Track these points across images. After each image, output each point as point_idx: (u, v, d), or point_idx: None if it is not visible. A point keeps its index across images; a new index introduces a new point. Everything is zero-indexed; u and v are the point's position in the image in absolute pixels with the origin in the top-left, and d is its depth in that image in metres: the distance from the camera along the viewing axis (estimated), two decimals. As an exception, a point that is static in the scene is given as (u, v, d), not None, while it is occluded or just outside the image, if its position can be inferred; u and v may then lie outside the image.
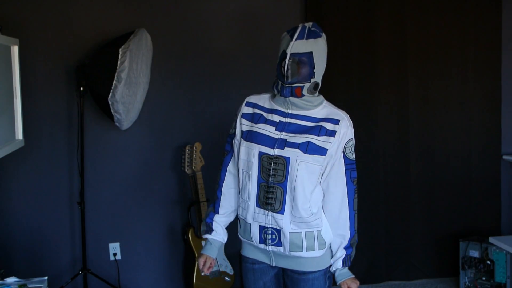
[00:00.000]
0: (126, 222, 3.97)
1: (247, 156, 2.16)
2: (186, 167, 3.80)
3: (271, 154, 2.11)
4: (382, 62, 4.13)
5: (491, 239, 3.80)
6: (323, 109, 2.14)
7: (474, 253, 3.96)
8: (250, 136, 2.17)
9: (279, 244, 2.18)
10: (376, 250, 4.24)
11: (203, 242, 3.77)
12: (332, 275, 2.28)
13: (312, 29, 2.06)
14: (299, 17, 4.05)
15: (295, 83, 2.06)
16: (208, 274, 2.14)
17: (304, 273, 2.22)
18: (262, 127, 2.16)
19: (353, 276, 2.24)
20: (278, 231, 2.16)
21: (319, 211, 2.18)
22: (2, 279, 2.45)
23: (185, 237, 3.84)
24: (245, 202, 2.21)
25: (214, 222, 2.30)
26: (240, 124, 2.23)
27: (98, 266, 3.88)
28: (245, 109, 2.24)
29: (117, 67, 3.33)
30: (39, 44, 3.74)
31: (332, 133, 2.10)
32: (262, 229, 2.19)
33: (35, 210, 3.83)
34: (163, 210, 4.01)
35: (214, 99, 4.02)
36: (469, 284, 4.02)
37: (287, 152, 2.09)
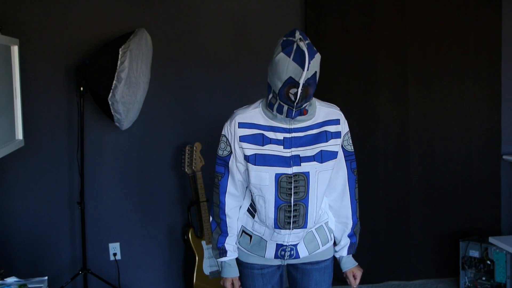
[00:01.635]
0: (126, 222, 3.97)
1: (260, 180, 2.09)
2: (186, 167, 3.80)
3: (289, 173, 2.07)
4: (382, 62, 4.13)
5: (491, 239, 3.80)
6: (319, 112, 2.12)
7: (474, 253, 3.96)
8: (260, 160, 2.09)
9: (297, 256, 2.22)
10: (376, 250, 4.24)
11: (203, 242, 3.78)
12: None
13: (307, 42, 1.96)
14: (299, 17, 4.05)
15: (304, 104, 2.02)
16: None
17: (317, 262, 2.26)
18: (270, 147, 2.09)
19: (357, 264, 2.31)
20: (296, 245, 2.20)
21: (325, 204, 2.25)
22: (2, 279, 2.45)
23: (185, 237, 3.84)
24: (261, 223, 2.19)
25: (226, 245, 2.23)
26: (240, 148, 2.12)
27: (98, 266, 3.88)
28: (241, 131, 2.11)
29: (117, 67, 3.33)
30: (39, 44, 3.74)
31: (337, 135, 2.12)
32: (280, 247, 2.19)
33: (35, 210, 3.83)
34: (163, 210, 4.01)
35: (214, 99, 4.02)
36: (469, 284, 4.02)
37: (305, 167, 2.07)
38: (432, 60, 4.21)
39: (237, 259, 2.31)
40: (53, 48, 3.77)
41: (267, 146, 2.08)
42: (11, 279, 2.44)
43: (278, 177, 2.07)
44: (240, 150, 2.12)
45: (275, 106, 2.04)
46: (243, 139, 2.11)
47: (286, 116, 2.04)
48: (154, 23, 3.86)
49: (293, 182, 2.07)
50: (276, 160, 2.07)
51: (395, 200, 4.25)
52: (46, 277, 2.50)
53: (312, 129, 2.10)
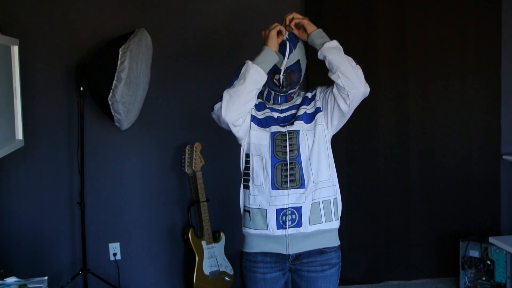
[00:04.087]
0: (126, 222, 3.97)
1: (259, 139, 2.23)
2: (186, 167, 3.81)
3: (283, 130, 2.22)
4: (382, 62, 4.13)
5: (491, 239, 3.80)
6: (304, 93, 2.37)
7: (474, 253, 3.96)
8: (261, 123, 2.26)
9: (300, 223, 2.20)
10: (376, 250, 4.24)
11: (203, 242, 3.78)
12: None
13: (287, 33, 2.23)
14: (299, 17, 4.05)
15: (289, 91, 2.27)
16: None
17: (322, 269, 2.24)
18: (266, 111, 2.28)
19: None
20: (298, 209, 2.19)
21: (331, 178, 2.25)
22: (2, 279, 2.45)
23: (185, 237, 3.84)
24: (258, 188, 2.21)
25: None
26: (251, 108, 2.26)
27: (98, 266, 3.88)
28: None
29: (117, 67, 3.33)
30: (39, 44, 3.74)
31: (313, 97, 2.30)
32: (280, 212, 2.19)
33: (35, 210, 3.83)
34: (163, 210, 4.01)
35: (214, 99, 4.00)
36: (469, 284, 4.02)
37: (295, 125, 2.23)
38: (432, 60, 4.21)
39: (241, 252, 2.32)
40: (53, 48, 3.77)
41: (261, 112, 2.29)
42: (11, 279, 2.44)
43: (273, 135, 2.23)
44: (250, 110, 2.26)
45: (265, 93, 2.30)
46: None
47: (273, 103, 2.29)
48: (154, 23, 3.86)
49: (288, 140, 2.20)
50: (273, 120, 2.27)
51: (395, 200, 4.25)
52: (46, 277, 2.50)
53: (298, 106, 2.30)
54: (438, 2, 4.19)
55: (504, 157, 4.30)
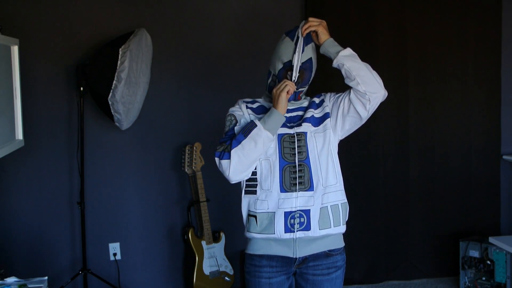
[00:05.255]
0: (126, 222, 3.97)
1: None
2: (186, 167, 3.81)
3: (292, 132, 2.19)
4: (382, 62, 4.13)
5: (491, 239, 3.80)
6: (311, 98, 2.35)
7: (474, 253, 3.96)
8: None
9: (308, 227, 2.17)
10: (376, 250, 4.24)
11: (203, 242, 3.78)
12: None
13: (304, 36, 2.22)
14: (299, 17, 4.05)
15: (299, 89, 2.22)
16: None
17: (328, 272, 2.24)
18: None
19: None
20: (307, 212, 2.17)
21: (339, 182, 2.25)
22: (2, 279, 2.45)
23: (185, 237, 3.84)
24: (266, 192, 2.18)
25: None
26: (249, 114, 2.24)
27: (98, 266, 3.88)
28: (247, 106, 2.27)
29: (117, 67, 3.33)
30: (39, 44, 3.74)
31: (321, 102, 2.28)
32: (288, 215, 2.16)
33: (35, 210, 3.83)
34: (163, 210, 4.01)
35: (214, 99, 4.02)
36: (469, 284, 4.02)
37: (303, 127, 2.21)
38: (432, 60, 4.22)
39: (242, 253, 2.29)
40: (53, 48, 3.77)
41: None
42: (11, 279, 2.44)
43: (280, 137, 2.19)
44: (248, 116, 2.24)
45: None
46: (250, 111, 2.26)
47: None
48: (154, 23, 3.86)
49: (296, 142, 2.18)
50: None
51: (395, 200, 4.25)
52: (46, 277, 2.49)
53: (306, 109, 2.28)
54: (438, 2, 4.20)
55: (504, 157, 4.30)
